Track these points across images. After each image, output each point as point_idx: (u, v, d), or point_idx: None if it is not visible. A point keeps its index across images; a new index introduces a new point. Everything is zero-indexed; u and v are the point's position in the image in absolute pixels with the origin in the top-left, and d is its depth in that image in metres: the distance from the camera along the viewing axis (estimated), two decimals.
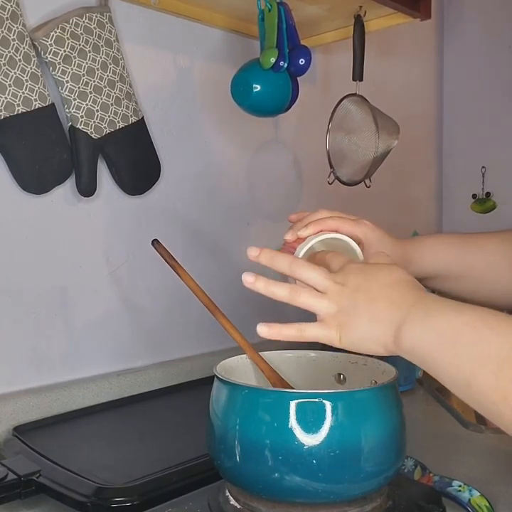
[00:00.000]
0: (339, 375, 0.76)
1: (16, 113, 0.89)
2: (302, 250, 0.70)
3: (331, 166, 1.25)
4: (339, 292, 0.59)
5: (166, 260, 0.76)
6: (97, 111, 0.99)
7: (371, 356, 0.74)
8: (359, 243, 0.75)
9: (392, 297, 0.58)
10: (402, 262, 0.76)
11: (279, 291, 0.60)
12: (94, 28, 0.98)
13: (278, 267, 0.62)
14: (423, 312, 0.55)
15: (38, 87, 0.92)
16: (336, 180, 1.26)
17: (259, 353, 0.74)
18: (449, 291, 0.83)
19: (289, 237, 0.73)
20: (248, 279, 0.60)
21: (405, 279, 0.60)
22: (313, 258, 0.68)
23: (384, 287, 0.59)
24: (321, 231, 0.73)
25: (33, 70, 0.91)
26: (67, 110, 0.97)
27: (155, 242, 0.77)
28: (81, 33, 0.96)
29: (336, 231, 0.74)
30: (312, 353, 0.78)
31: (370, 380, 0.71)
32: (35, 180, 0.94)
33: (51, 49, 0.93)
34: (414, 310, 0.55)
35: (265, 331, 0.60)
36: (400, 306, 0.56)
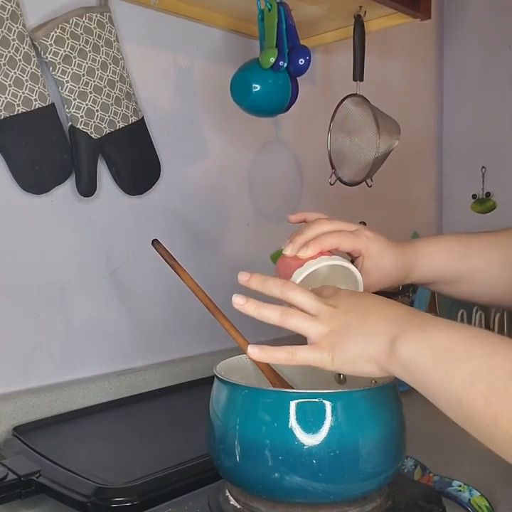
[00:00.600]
0: (339, 375, 0.76)
1: (16, 113, 0.89)
2: (300, 277, 0.68)
3: (333, 167, 1.25)
4: (331, 314, 0.58)
5: (165, 260, 0.76)
6: (97, 111, 0.99)
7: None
8: (360, 255, 0.74)
9: (385, 313, 0.57)
10: (404, 269, 0.76)
11: (269, 314, 0.60)
12: (94, 28, 0.98)
13: (269, 291, 0.61)
14: (418, 327, 0.54)
15: (38, 87, 0.92)
16: (338, 180, 1.26)
17: None
18: (449, 294, 0.82)
19: (288, 252, 0.72)
20: (238, 301, 0.60)
21: (398, 303, 0.59)
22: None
23: (377, 305, 0.59)
24: (321, 252, 0.71)
25: (33, 70, 0.91)
26: (67, 110, 0.97)
27: (155, 242, 0.77)
28: (81, 33, 0.96)
29: (337, 248, 0.73)
30: None
31: (370, 380, 0.71)
32: (35, 180, 0.94)
33: (51, 49, 0.93)
34: (408, 325, 0.55)
35: (256, 352, 0.59)
36: (394, 321, 0.56)
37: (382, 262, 0.73)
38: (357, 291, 0.63)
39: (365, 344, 0.56)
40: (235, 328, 0.72)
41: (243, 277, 0.62)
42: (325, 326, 0.58)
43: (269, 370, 0.72)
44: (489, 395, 0.48)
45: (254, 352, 0.59)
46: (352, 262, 0.74)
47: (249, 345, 0.59)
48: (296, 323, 0.60)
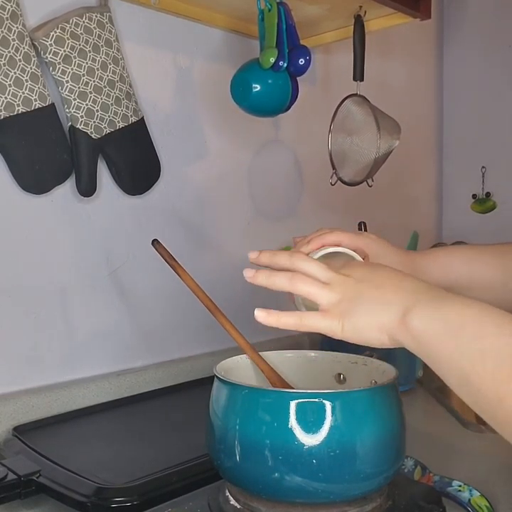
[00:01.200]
0: (339, 375, 0.76)
1: (16, 113, 0.89)
2: None
3: (334, 167, 1.25)
4: (343, 282, 0.58)
5: (166, 260, 0.76)
6: (97, 111, 0.99)
7: (370, 356, 0.74)
8: (363, 257, 0.74)
9: (400, 285, 0.56)
10: (409, 271, 0.76)
11: (279, 281, 0.59)
12: (94, 28, 0.98)
13: (279, 262, 0.61)
14: (433, 300, 0.53)
15: (38, 87, 0.92)
16: (339, 181, 1.26)
17: (260, 353, 0.74)
18: None
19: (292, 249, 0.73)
20: (248, 274, 0.60)
21: (412, 276, 0.59)
22: None
23: (391, 276, 0.58)
24: (323, 246, 0.73)
25: (33, 70, 0.91)
26: (67, 110, 0.97)
27: (155, 242, 0.77)
28: (81, 33, 0.96)
29: (339, 245, 0.74)
30: (312, 353, 0.78)
31: (370, 380, 0.71)
32: (35, 180, 0.94)
33: (51, 49, 0.93)
34: (423, 297, 0.54)
35: (263, 316, 0.58)
36: (409, 292, 0.55)
37: (385, 261, 0.73)
38: (371, 262, 0.62)
39: (378, 313, 0.55)
40: (235, 328, 0.72)
41: (253, 255, 0.62)
42: (336, 293, 0.57)
43: (269, 370, 0.72)
44: (497, 375, 0.47)
45: (262, 315, 0.58)
46: None
47: (256, 309, 0.58)
48: (306, 288, 0.59)
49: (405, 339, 0.54)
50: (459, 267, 0.80)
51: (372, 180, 1.27)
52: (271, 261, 0.62)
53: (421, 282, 0.57)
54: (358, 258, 0.71)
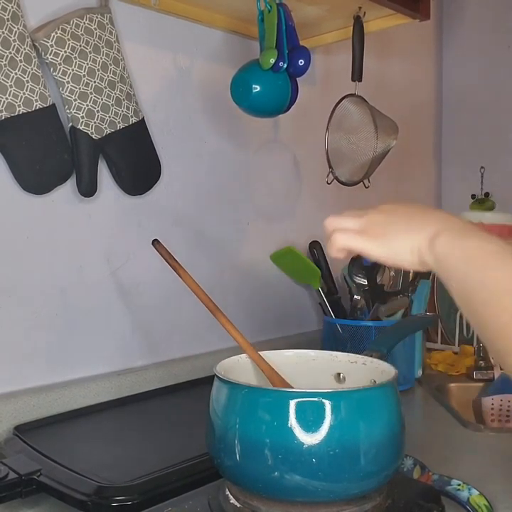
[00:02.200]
0: (338, 374, 0.76)
1: (16, 113, 0.90)
2: None
3: (330, 166, 1.26)
4: (377, 213, 0.65)
5: (166, 260, 0.76)
6: (98, 111, 0.99)
7: (369, 356, 0.74)
8: None
9: (431, 214, 0.62)
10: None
11: (328, 249, 0.66)
12: (94, 29, 0.99)
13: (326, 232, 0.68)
14: (458, 230, 0.58)
15: (39, 88, 0.92)
16: (335, 180, 1.26)
17: (259, 352, 0.74)
18: None
19: None
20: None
21: (443, 211, 0.64)
22: None
23: (421, 209, 0.64)
24: None
25: (33, 71, 0.91)
26: (67, 111, 0.97)
27: (155, 242, 0.77)
28: (81, 34, 0.97)
29: None
30: (311, 353, 0.78)
31: (370, 380, 0.72)
32: (35, 181, 0.95)
33: (52, 50, 0.93)
34: (451, 225, 0.58)
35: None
36: (440, 221, 0.60)
37: None
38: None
39: (412, 235, 0.60)
40: (235, 327, 0.73)
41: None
42: (371, 220, 0.65)
43: (269, 370, 0.72)
44: (494, 305, 0.51)
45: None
46: None
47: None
48: (343, 222, 0.67)
49: (429, 261, 0.58)
50: None
51: (369, 182, 1.27)
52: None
53: (448, 214, 0.62)
54: None
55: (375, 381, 0.71)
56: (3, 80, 0.88)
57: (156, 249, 0.77)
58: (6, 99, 0.88)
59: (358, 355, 0.75)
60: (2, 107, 0.88)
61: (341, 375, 0.76)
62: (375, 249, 0.63)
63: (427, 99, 1.88)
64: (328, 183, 1.25)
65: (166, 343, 1.17)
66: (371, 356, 0.75)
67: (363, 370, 0.74)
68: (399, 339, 0.86)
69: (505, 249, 0.54)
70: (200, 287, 0.74)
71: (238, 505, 0.64)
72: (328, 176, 1.26)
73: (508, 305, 0.50)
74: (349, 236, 0.65)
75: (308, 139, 1.42)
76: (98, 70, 0.99)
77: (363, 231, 0.64)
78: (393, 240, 0.62)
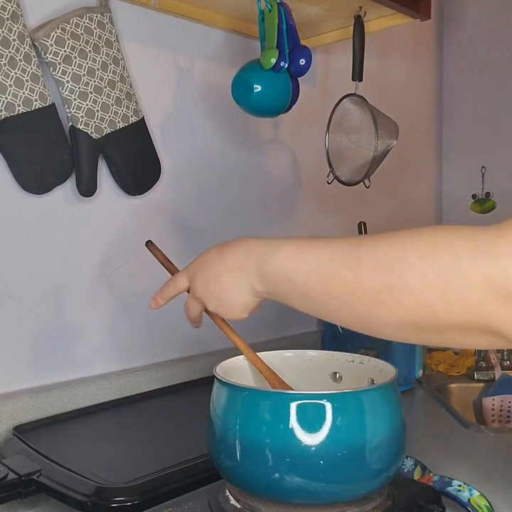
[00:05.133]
0: (335, 373, 0.76)
1: (16, 113, 0.90)
2: None
3: (330, 166, 1.25)
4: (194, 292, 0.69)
5: (160, 262, 0.75)
6: (98, 111, 0.99)
7: (365, 354, 0.74)
8: None
9: (226, 264, 0.67)
10: None
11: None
12: (94, 28, 0.98)
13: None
14: (258, 265, 0.61)
15: (39, 87, 0.92)
16: (335, 180, 1.26)
17: (257, 353, 0.74)
18: None
19: None
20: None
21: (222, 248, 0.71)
22: None
23: (214, 263, 0.70)
24: None
25: (33, 70, 0.91)
26: (67, 110, 0.97)
27: (149, 244, 0.75)
28: (81, 34, 0.97)
29: None
30: (309, 352, 0.78)
31: (367, 379, 0.71)
32: (35, 181, 0.95)
33: (52, 49, 0.93)
34: (250, 264, 0.62)
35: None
36: (243, 262, 0.64)
37: None
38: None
39: (238, 281, 0.63)
40: (232, 329, 0.72)
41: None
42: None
43: (267, 371, 0.72)
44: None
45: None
46: None
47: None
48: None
49: (268, 296, 0.62)
50: None
51: (369, 181, 1.27)
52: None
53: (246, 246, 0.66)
54: None
55: (372, 380, 0.71)
56: (2, 79, 0.87)
57: (149, 250, 0.75)
58: (6, 98, 0.88)
59: (354, 354, 0.75)
60: (2, 106, 0.88)
61: (338, 374, 0.76)
62: (232, 317, 0.66)
63: (427, 99, 1.87)
64: (329, 183, 1.25)
65: (166, 343, 1.17)
66: (367, 355, 0.75)
67: (360, 369, 0.73)
68: None
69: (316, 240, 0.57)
70: None
71: (238, 507, 0.64)
72: (328, 175, 1.25)
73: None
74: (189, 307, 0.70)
75: (308, 138, 1.42)
76: (98, 70, 0.99)
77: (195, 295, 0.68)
78: (230, 304, 0.65)
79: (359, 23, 1.21)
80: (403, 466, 0.78)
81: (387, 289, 0.49)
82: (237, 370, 0.73)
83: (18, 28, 0.89)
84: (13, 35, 0.88)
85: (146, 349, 1.14)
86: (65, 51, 0.94)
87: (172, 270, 0.74)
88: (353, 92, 1.24)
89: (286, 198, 1.42)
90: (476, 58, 1.82)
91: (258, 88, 1.06)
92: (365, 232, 1.30)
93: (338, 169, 1.26)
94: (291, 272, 0.57)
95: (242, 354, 0.74)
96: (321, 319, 0.60)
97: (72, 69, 0.96)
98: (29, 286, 0.98)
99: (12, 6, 0.88)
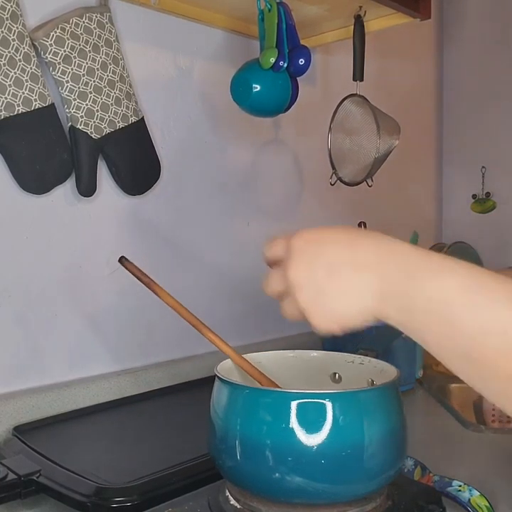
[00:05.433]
0: (334, 374, 0.76)
1: (16, 113, 0.89)
2: None
3: (333, 167, 1.25)
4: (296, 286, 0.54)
5: (138, 278, 0.69)
6: (97, 111, 0.99)
7: (365, 355, 0.73)
8: None
9: (356, 261, 0.51)
10: None
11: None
12: (94, 28, 0.98)
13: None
14: (397, 286, 0.48)
15: (38, 87, 0.92)
16: (338, 180, 1.26)
17: (256, 353, 0.73)
18: None
19: None
20: None
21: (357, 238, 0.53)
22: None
23: (339, 254, 0.53)
24: None
25: (33, 70, 0.91)
26: (67, 110, 0.97)
27: (123, 259, 0.70)
28: (81, 33, 0.96)
29: None
30: (309, 353, 0.78)
31: (367, 379, 0.71)
32: (35, 181, 0.94)
33: (51, 49, 0.93)
34: (387, 282, 0.49)
35: None
36: (371, 270, 0.50)
37: None
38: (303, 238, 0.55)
39: (351, 302, 0.51)
40: (220, 338, 0.71)
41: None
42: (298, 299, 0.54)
43: (258, 374, 0.71)
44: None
45: None
46: None
47: None
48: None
49: (388, 319, 0.51)
50: None
51: (372, 180, 1.27)
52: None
53: (371, 247, 0.51)
54: None
55: (372, 380, 0.70)
56: (2, 79, 0.87)
57: (125, 267, 0.70)
58: (5, 98, 0.88)
59: (354, 355, 0.75)
60: (1, 106, 0.88)
61: (337, 374, 0.76)
62: (319, 324, 0.53)
63: (427, 99, 1.87)
64: (332, 184, 1.25)
65: (166, 344, 1.17)
66: (367, 355, 0.74)
67: (360, 369, 0.73)
68: (394, 338, 0.85)
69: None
70: (179, 302, 0.71)
71: (238, 507, 0.64)
72: (331, 176, 1.25)
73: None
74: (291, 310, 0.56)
75: (308, 138, 1.42)
76: (97, 69, 0.99)
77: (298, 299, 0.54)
78: (333, 313, 0.52)
79: (359, 23, 1.21)
80: (403, 467, 0.78)
81: None
82: (239, 369, 0.72)
83: (17, 27, 0.89)
84: (13, 35, 0.88)
85: (146, 349, 1.14)
86: (64, 51, 0.94)
87: (149, 284, 0.71)
88: (354, 92, 1.24)
89: (286, 198, 1.42)
90: (476, 58, 1.82)
91: (257, 88, 1.06)
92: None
93: (341, 170, 1.26)
94: (457, 314, 0.45)
95: (244, 354, 0.73)
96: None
97: (72, 69, 0.96)
98: (28, 286, 0.97)
99: (11, 6, 0.88)
